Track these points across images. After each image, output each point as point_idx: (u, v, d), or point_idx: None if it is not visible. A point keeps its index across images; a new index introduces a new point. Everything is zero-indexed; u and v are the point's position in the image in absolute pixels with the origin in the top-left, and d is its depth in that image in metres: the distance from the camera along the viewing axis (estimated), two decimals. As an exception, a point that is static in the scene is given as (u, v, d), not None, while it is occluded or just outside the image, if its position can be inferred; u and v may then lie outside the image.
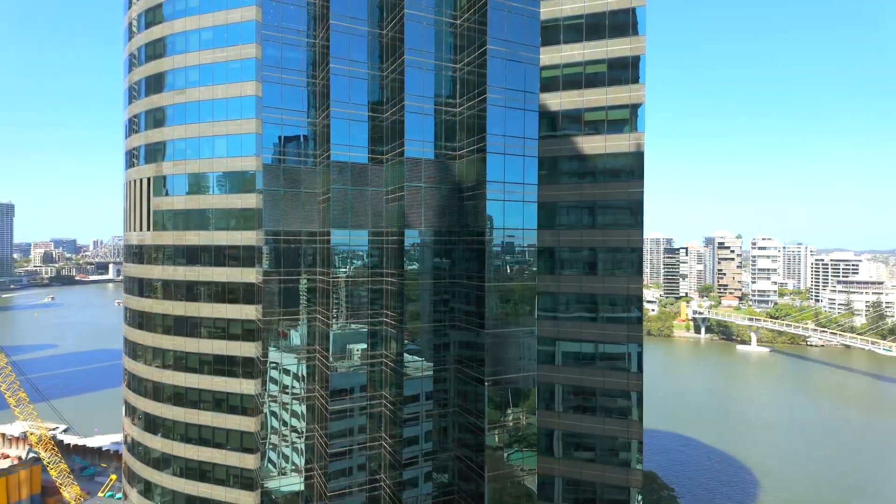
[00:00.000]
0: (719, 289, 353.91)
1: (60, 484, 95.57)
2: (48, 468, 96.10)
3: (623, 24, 48.01)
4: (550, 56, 48.83)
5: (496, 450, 42.73)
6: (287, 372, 52.63)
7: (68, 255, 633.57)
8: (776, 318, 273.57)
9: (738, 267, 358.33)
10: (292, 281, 51.83)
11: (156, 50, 61.27)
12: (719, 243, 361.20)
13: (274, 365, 52.38)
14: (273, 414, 52.52)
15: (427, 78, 45.17)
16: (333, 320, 47.64)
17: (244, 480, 56.02)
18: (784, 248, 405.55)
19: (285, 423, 52.62)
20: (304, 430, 52.51)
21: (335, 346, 47.58)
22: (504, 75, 41.49)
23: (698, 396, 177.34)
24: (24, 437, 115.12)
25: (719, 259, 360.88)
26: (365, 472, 48.48)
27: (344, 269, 48.21)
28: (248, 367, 56.09)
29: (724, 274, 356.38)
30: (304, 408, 52.45)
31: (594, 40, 48.41)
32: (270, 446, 52.30)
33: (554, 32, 48.80)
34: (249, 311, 56.02)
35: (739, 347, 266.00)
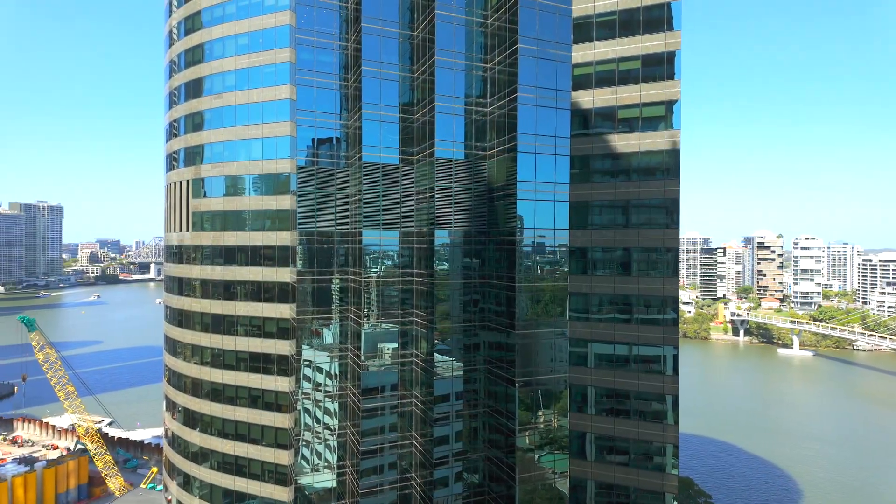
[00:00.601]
0: (759, 290, 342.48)
1: (105, 475, 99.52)
2: (94, 459, 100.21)
3: (657, 19, 46.97)
4: (583, 53, 48.18)
5: (527, 451, 42.41)
6: (320, 370, 53.49)
7: (113, 255, 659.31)
8: (820, 321, 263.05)
9: (779, 268, 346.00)
10: (325, 280, 52.66)
11: (195, 56, 63.18)
12: (759, 243, 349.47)
13: (307, 363, 53.31)
14: (307, 411, 53.44)
15: (457, 78, 45.20)
16: (365, 319, 48.18)
17: (279, 476, 57.20)
18: (829, 247, 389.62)
19: (318, 421, 53.48)
20: (336, 427, 53.27)
21: (366, 344, 48.12)
22: (535, 74, 41.17)
23: (737, 401, 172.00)
24: (72, 430, 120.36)
25: (759, 259, 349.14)
26: (396, 471, 48.84)
27: (375, 269, 48.71)
28: (282, 365, 57.24)
29: (765, 275, 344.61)
30: (336, 405, 53.22)
31: (628, 36, 47.56)
32: (304, 443, 53.23)
33: (586, 29, 48.13)
34: (284, 310, 57.15)
35: (781, 351, 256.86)
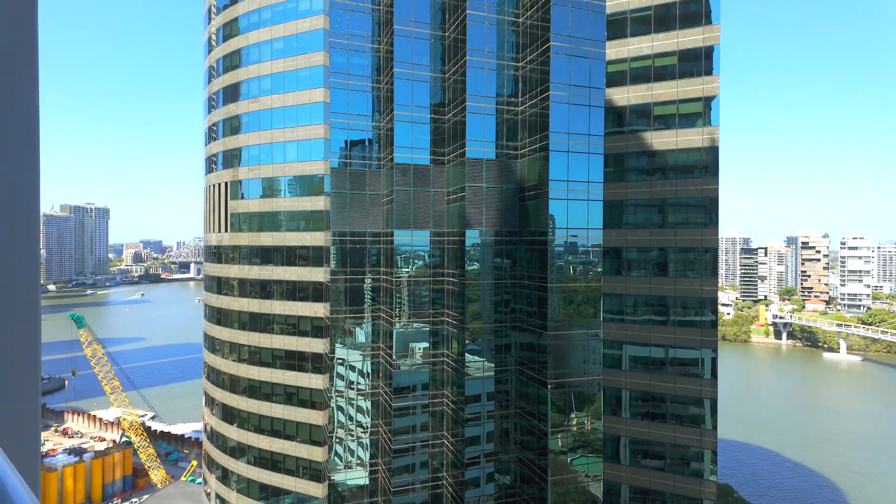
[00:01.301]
0: (803, 292, 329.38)
1: (149, 467, 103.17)
2: (138, 452, 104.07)
3: (695, 13, 45.81)
4: (616, 50, 47.40)
5: (559, 454, 41.93)
6: (353, 368, 54.19)
7: (155, 255, 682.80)
8: (870, 325, 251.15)
9: (824, 268, 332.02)
10: (358, 280, 53.33)
11: (232, 61, 64.92)
12: (803, 243, 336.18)
13: (341, 361, 54.07)
14: (340, 409, 54.21)
15: (489, 78, 45.05)
16: (396, 319, 48.55)
17: (313, 472, 58.19)
18: (879, 247, 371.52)
19: (351, 418, 54.18)
20: (368, 425, 53.86)
21: (398, 344, 48.48)
22: (568, 72, 40.64)
23: (780, 407, 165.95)
24: (117, 423, 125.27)
25: (803, 260, 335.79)
26: (427, 470, 49.05)
27: (406, 269, 49.04)
28: (316, 363, 58.24)
29: (809, 276, 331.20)
30: (368, 404, 53.81)
31: (663, 31, 46.54)
32: (337, 440, 54.02)
33: (620, 25, 47.32)
34: (318, 309, 58.14)
35: (826, 355, 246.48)
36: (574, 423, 42.31)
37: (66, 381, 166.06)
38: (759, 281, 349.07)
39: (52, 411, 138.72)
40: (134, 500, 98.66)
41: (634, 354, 47.51)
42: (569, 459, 42.15)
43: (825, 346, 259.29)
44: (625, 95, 47.28)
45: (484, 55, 44.97)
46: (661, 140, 46.76)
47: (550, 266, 41.20)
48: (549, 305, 41.11)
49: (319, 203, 58.24)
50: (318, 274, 58.05)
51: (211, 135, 69.58)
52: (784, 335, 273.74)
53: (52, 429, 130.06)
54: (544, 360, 41.62)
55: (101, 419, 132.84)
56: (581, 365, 42.21)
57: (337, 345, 53.85)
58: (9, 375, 2.92)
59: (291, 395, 59.93)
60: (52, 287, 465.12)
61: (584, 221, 41.17)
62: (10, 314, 2.98)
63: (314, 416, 58.27)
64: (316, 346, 58.19)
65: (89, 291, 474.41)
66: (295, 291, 59.66)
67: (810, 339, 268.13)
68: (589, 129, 40.83)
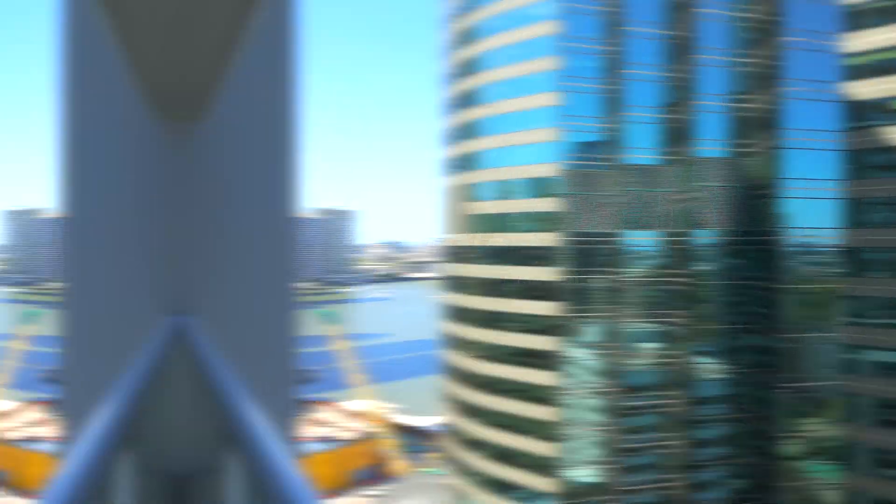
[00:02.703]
0: None
1: (391, 458, 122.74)
2: (382, 443, 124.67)
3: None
4: (854, 42, 49.55)
5: (794, 460, 46.87)
6: (583, 367, 63.04)
7: (396, 255, 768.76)
8: None
9: None
10: (587, 280, 61.85)
11: (468, 68, 78.32)
12: None
13: (571, 359, 62.99)
14: (570, 406, 62.92)
15: (718, 75, 51.72)
16: (625, 319, 56.88)
17: (543, 467, 65.94)
18: None
19: (582, 416, 62.93)
20: (598, 424, 62.03)
21: (627, 343, 56.56)
22: (802, 66, 45.87)
23: None
24: (363, 414, 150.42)
25: None
26: (656, 471, 56.14)
27: (634, 270, 56.73)
28: (548, 360, 67.10)
29: None
30: (597, 402, 61.88)
31: (909, 20, 47.45)
32: (568, 437, 62.81)
33: (858, 17, 49.22)
34: (548, 308, 67.51)
35: None
36: (810, 428, 46.65)
37: (319, 374, 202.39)
38: None
39: (305, 401, 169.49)
40: (377, 488, 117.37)
41: (876, 359, 48.98)
42: (805, 466, 46.87)
43: None
44: (864, 89, 48.98)
45: (714, 52, 51.86)
46: (905, 134, 47.85)
47: (783, 267, 46.75)
48: (782, 307, 46.84)
49: (549, 204, 67.84)
50: (549, 273, 67.11)
51: (448, 138, 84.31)
52: None
53: (307, 418, 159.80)
54: (778, 364, 47.27)
55: (348, 410, 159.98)
56: (817, 369, 46.56)
57: (567, 343, 63.31)
58: (276, 368, 3.84)
59: (523, 391, 70.26)
60: (305, 285, 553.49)
61: (820, 220, 45.39)
62: (277, 315, 3.89)
63: (546, 413, 67.92)
64: (547, 343, 67.81)
65: (338, 289, 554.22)
66: (526, 290, 69.85)
67: None
68: (825, 124, 45.34)
